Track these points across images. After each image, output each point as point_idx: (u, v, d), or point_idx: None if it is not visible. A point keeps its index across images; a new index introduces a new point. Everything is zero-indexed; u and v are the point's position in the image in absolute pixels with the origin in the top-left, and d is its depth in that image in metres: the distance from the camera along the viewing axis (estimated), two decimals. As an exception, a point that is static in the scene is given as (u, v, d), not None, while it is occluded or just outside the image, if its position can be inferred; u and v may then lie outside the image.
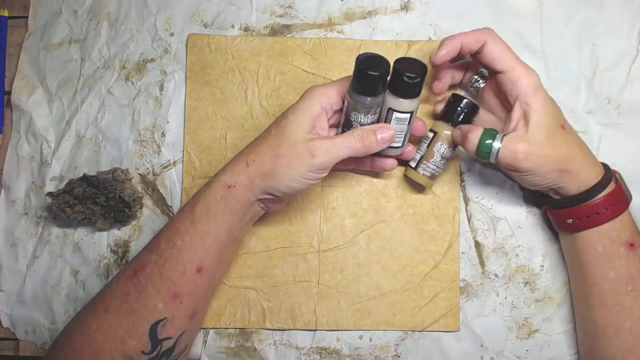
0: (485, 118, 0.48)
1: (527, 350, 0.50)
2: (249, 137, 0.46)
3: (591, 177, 0.43)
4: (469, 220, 0.52)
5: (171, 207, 0.53)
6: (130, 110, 0.54)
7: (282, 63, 0.53)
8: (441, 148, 0.47)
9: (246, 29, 0.54)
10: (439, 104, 0.49)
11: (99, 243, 0.53)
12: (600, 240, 0.44)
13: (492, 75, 0.46)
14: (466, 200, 0.52)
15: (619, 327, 0.43)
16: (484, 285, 0.51)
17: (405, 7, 0.54)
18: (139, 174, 0.53)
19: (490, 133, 0.43)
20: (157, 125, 0.54)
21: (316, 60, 0.53)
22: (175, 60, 0.54)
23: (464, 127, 0.45)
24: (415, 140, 0.49)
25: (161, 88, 0.54)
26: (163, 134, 0.53)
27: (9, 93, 0.55)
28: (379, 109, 0.43)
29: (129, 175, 0.53)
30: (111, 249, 0.53)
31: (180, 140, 0.53)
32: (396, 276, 0.51)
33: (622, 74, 0.52)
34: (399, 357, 0.51)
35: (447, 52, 0.44)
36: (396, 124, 0.43)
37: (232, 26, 0.54)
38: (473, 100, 0.47)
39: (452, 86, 0.51)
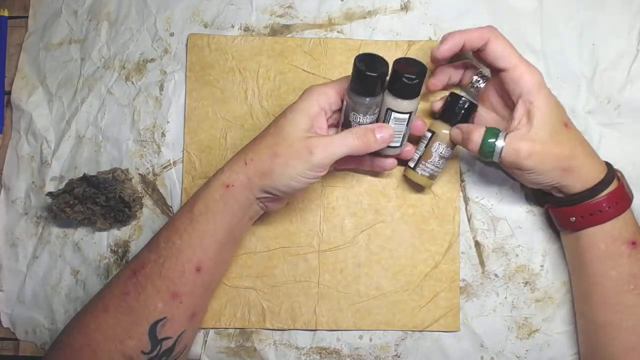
0: (486, 116, 0.48)
1: (527, 350, 0.50)
2: (249, 137, 0.46)
3: (594, 175, 0.43)
4: (469, 220, 0.52)
5: (171, 207, 0.53)
6: (130, 110, 0.54)
7: (282, 63, 0.53)
8: (439, 148, 0.46)
9: (246, 29, 0.54)
10: (437, 102, 0.49)
11: (99, 243, 0.53)
12: (603, 239, 0.44)
13: (495, 73, 0.45)
14: (466, 200, 0.52)
15: (621, 326, 0.43)
16: (484, 285, 0.51)
17: (405, 7, 0.54)
18: (139, 174, 0.53)
19: (493, 132, 0.43)
20: (157, 125, 0.54)
21: (316, 60, 0.53)
22: (175, 60, 0.54)
23: (464, 126, 0.45)
24: (414, 139, 0.49)
25: (161, 88, 0.54)
26: (163, 134, 0.53)
27: (9, 93, 0.55)
28: (377, 109, 0.43)
29: (129, 175, 0.53)
30: (111, 249, 0.53)
31: (180, 140, 0.53)
32: (396, 276, 0.51)
33: (622, 74, 0.52)
34: (399, 357, 0.51)
35: (449, 48, 0.44)
36: (395, 124, 0.43)
37: (232, 26, 0.54)
38: (471, 99, 0.46)
39: (451, 86, 0.51)
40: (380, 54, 0.40)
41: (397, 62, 0.41)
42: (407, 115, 0.42)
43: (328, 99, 0.43)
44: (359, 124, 0.43)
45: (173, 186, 0.53)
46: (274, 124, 0.44)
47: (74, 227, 0.53)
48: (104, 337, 0.41)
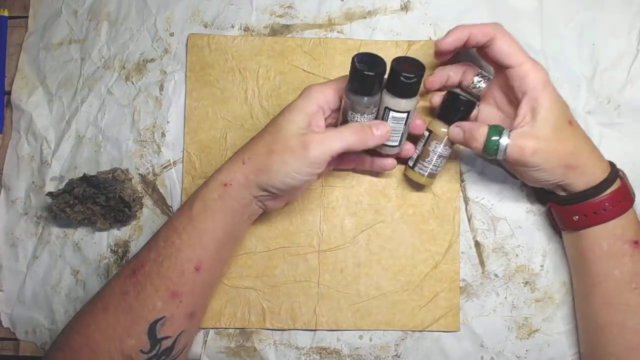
0: (488, 114, 0.48)
1: (527, 350, 0.50)
2: (248, 137, 0.46)
3: (598, 173, 0.43)
4: (469, 220, 0.52)
5: (171, 207, 0.53)
6: (130, 110, 0.54)
7: (282, 63, 0.53)
8: (437, 148, 0.46)
9: (246, 29, 0.54)
10: (437, 97, 0.48)
11: (99, 243, 0.53)
12: (606, 238, 0.44)
13: (499, 70, 0.45)
14: (466, 200, 0.52)
15: (623, 326, 0.43)
16: (484, 285, 0.51)
17: (405, 7, 0.54)
18: (139, 174, 0.53)
19: (497, 129, 0.43)
20: (157, 125, 0.54)
21: (316, 60, 0.53)
22: (175, 60, 0.54)
23: (466, 124, 0.44)
24: (414, 138, 0.49)
25: (161, 88, 0.54)
26: (163, 134, 0.53)
27: (9, 93, 0.55)
28: (375, 109, 0.43)
29: (129, 175, 0.53)
30: (111, 249, 0.53)
31: (180, 140, 0.53)
32: (396, 276, 0.51)
33: (622, 74, 0.52)
34: (399, 357, 0.51)
35: (453, 40, 0.44)
36: (393, 123, 0.43)
37: (232, 26, 0.54)
38: (469, 97, 0.46)
39: (450, 87, 0.50)
40: (380, 54, 0.40)
41: (395, 61, 0.40)
42: (405, 114, 0.42)
43: (326, 98, 0.43)
44: None
45: (173, 186, 0.53)
46: (271, 122, 0.44)
47: (74, 227, 0.53)
48: (103, 336, 0.41)
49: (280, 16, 0.54)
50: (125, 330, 0.41)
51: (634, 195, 0.45)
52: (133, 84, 0.54)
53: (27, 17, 0.56)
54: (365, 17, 0.54)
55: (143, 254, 0.44)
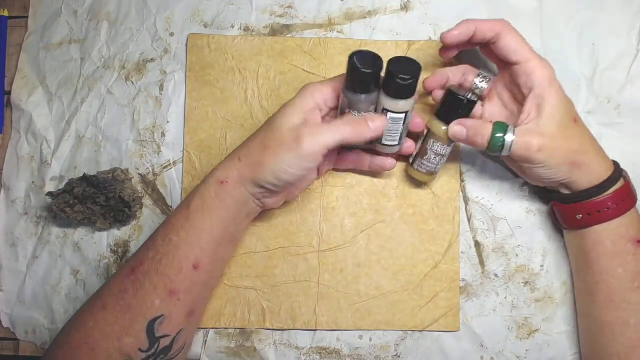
0: (494, 112, 0.48)
1: (527, 350, 0.50)
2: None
3: (602, 172, 0.43)
4: (469, 220, 0.52)
5: (171, 207, 0.53)
6: (130, 110, 0.54)
7: (282, 63, 0.53)
8: (434, 146, 0.46)
9: (246, 29, 0.54)
10: (439, 91, 0.48)
11: (99, 243, 0.53)
12: (610, 237, 0.44)
13: (504, 67, 0.45)
14: (466, 200, 0.52)
15: (625, 324, 0.43)
16: (484, 285, 0.51)
17: (405, 7, 0.54)
18: (139, 174, 0.53)
19: (501, 126, 0.42)
20: (157, 125, 0.54)
21: (316, 60, 0.53)
22: (175, 60, 0.54)
23: (468, 122, 0.44)
24: (415, 135, 0.49)
25: (161, 88, 0.54)
26: (163, 134, 0.53)
27: (9, 93, 0.55)
28: (373, 107, 0.43)
29: (129, 175, 0.53)
30: (111, 249, 0.53)
31: (180, 140, 0.53)
32: (396, 276, 0.51)
33: (622, 74, 0.52)
34: (399, 357, 0.51)
35: (459, 33, 0.43)
36: (391, 123, 0.43)
37: (232, 26, 0.54)
38: (468, 97, 0.44)
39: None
40: (380, 54, 0.40)
41: (391, 62, 0.40)
42: (403, 115, 0.42)
43: (324, 96, 0.43)
44: None
45: (173, 186, 0.53)
46: (268, 120, 0.44)
47: (74, 227, 0.53)
48: (102, 335, 0.41)
49: (280, 16, 0.54)
50: (123, 328, 0.41)
51: (637, 194, 0.45)
52: (133, 84, 0.54)
53: (27, 17, 0.56)
54: (365, 17, 0.54)
55: (142, 252, 0.44)
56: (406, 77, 0.39)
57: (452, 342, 0.50)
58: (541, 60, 0.43)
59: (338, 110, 0.44)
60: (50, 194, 0.50)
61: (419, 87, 0.49)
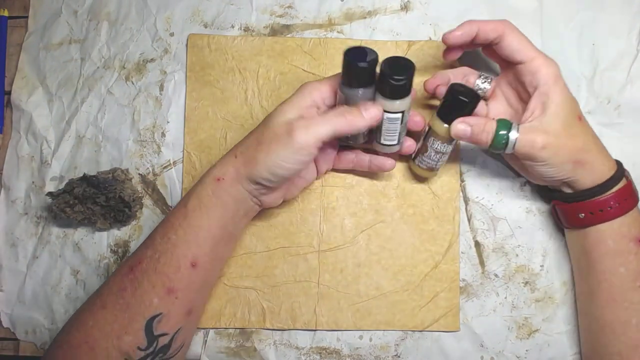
0: (499, 111, 0.47)
1: (527, 350, 0.50)
2: (249, 137, 0.46)
3: (605, 171, 0.43)
4: (469, 220, 0.52)
5: (171, 207, 0.53)
6: (130, 110, 0.54)
7: (282, 63, 0.53)
8: (434, 143, 0.46)
9: (246, 29, 0.54)
10: (443, 87, 0.47)
11: (99, 243, 0.53)
12: (612, 236, 0.44)
13: (508, 67, 0.45)
14: (466, 200, 0.52)
15: (627, 323, 0.43)
16: (484, 285, 0.51)
17: (405, 7, 0.54)
18: (139, 174, 0.53)
19: (505, 123, 0.42)
20: (157, 125, 0.54)
21: (316, 60, 0.53)
22: (175, 60, 0.54)
23: (471, 119, 0.43)
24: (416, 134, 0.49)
25: (161, 88, 0.54)
26: (163, 134, 0.53)
27: (9, 93, 0.55)
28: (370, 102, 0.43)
29: (129, 175, 0.53)
30: (111, 249, 0.53)
31: (180, 140, 0.53)
32: (396, 276, 0.51)
33: (622, 74, 0.52)
34: (399, 357, 0.51)
35: (462, 34, 0.43)
36: (389, 124, 0.43)
37: (232, 26, 0.54)
38: (468, 98, 0.43)
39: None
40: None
41: (385, 62, 0.40)
42: (399, 115, 0.42)
43: (322, 94, 0.43)
44: None
45: (173, 186, 0.53)
46: (265, 118, 0.44)
47: (74, 227, 0.53)
48: (102, 333, 0.41)
49: (280, 16, 0.54)
50: (122, 327, 0.41)
51: (638, 194, 0.45)
52: (133, 84, 0.54)
53: (27, 17, 0.56)
54: (365, 17, 0.54)
55: (140, 251, 0.44)
56: (400, 77, 0.39)
57: (452, 342, 0.50)
58: (546, 58, 0.43)
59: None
60: (50, 194, 0.50)
61: (420, 88, 0.49)
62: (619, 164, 0.45)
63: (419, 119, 0.47)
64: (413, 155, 0.48)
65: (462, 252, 0.51)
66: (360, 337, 0.51)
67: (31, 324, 0.52)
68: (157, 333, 0.42)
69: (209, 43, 0.53)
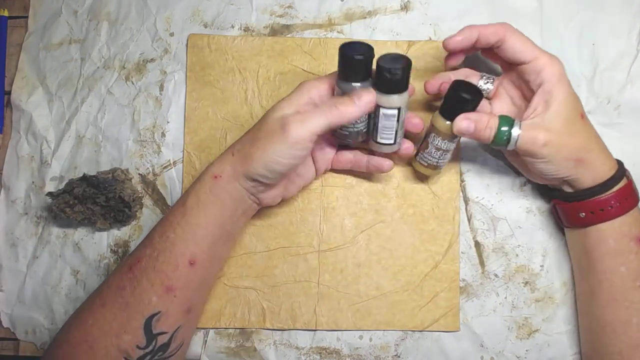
0: (502, 109, 0.47)
1: (527, 350, 0.50)
2: (249, 137, 0.46)
3: (606, 170, 0.43)
4: (469, 220, 0.52)
5: (171, 207, 0.53)
6: (130, 110, 0.54)
7: (282, 63, 0.53)
8: (435, 140, 0.45)
9: (246, 29, 0.54)
10: (446, 84, 0.46)
11: (99, 243, 0.53)
12: (612, 235, 0.44)
13: (510, 67, 0.45)
14: (466, 200, 0.52)
15: (627, 323, 0.43)
16: (484, 285, 0.51)
17: (405, 7, 0.54)
18: (139, 174, 0.53)
19: (507, 120, 0.42)
20: (157, 125, 0.54)
21: (316, 60, 0.53)
22: (175, 60, 0.54)
23: (474, 115, 0.43)
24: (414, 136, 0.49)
25: (161, 88, 0.54)
26: (163, 134, 0.53)
27: (9, 93, 0.55)
28: None
29: (129, 175, 0.53)
30: (111, 249, 0.53)
31: (180, 140, 0.53)
32: (396, 276, 0.51)
33: (622, 74, 0.52)
34: (399, 357, 0.51)
35: (462, 39, 0.43)
36: (385, 120, 0.43)
37: (232, 26, 0.54)
38: (471, 96, 0.43)
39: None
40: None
41: (381, 58, 0.40)
42: (395, 111, 0.42)
43: (319, 91, 0.43)
44: None
45: (173, 186, 0.53)
46: (262, 115, 0.44)
47: (74, 227, 0.53)
48: (101, 332, 0.41)
49: (280, 16, 0.54)
50: (121, 325, 0.41)
51: (639, 193, 0.45)
52: (133, 84, 0.54)
53: (27, 17, 0.56)
54: (365, 17, 0.54)
55: (139, 250, 0.44)
56: (395, 68, 0.39)
57: (452, 342, 0.50)
58: (550, 56, 0.43)
59: None
60: (50, 194, 0.50)
61: (420, 88, 0.49)
62: (619, 163, 0.45)
63: (417, 121, 0.46)
64: (415, 153, 0.48)
65: (462, 252, 0.51)
66: (360, 337, 0.51)
67: (31, 324, 0.52)
68: (156, 331, 0.42)
69: (209, 43, 0.53)
